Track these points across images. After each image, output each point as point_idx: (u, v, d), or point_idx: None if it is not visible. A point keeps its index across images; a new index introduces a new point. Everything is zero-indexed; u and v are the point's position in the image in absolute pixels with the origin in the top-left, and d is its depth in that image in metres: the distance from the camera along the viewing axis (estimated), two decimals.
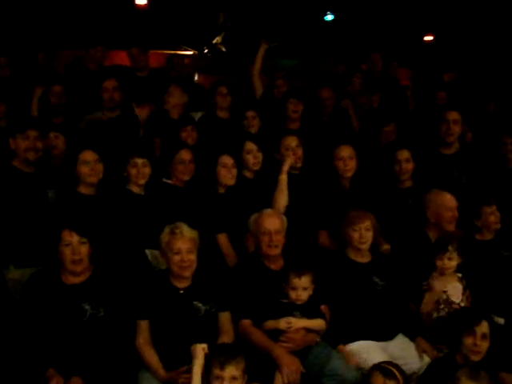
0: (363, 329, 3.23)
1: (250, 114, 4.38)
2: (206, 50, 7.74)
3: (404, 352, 3.21)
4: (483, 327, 2.89)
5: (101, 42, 5.30)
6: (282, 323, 3.00)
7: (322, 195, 3.81)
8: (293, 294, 3.06)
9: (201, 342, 2.77)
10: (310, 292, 3.10)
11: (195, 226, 3.19)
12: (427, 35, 7.48)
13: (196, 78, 7.70)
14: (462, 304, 3.29)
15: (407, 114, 5.07)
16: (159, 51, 7.20)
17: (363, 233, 3.33)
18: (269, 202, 3.70)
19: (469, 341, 2.87)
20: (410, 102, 5.27)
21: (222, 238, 3.57)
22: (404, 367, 3.09)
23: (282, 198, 3.68)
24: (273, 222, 3.23)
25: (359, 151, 3.98)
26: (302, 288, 3.05)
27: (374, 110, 4.99)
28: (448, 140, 4.10)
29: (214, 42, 7.25)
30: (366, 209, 3.58)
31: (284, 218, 3.34)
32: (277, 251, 3.22)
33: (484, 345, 2.88)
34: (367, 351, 3.12)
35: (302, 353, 3.02)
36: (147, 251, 3.49)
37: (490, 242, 3.76)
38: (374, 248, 3.49)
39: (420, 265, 3.42)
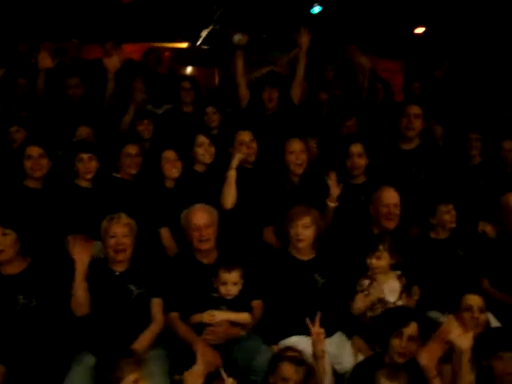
0: (301, 325, 3.11)
1: (210, 109, 4.39)
2: (198, 42, 7.77)
3: (340, 350, 3.17)
4: (411, 329, 2.80)
5: (80, 35, 5.36)
6: (206, 316, 3.03)
7: (270, 190, 3.76)
8: (222, 289, 3.07)
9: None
10: (240, 287, 3.10)
11: (140, 219, 3.24)
12: (418, 27, 7.29)
13: (189, 70, 7.76)
14: (400, 303, 3.21)
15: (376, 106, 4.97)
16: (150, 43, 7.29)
17: (300, 230, 3.28)
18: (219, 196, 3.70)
19: (396, 342, 2.80)
20: (379, 95, 5.14)
21: (164, 232, 3.57)
22: (338, 366, 3.14)
23: (230, 194, 3.65)
24: (202, 216, 3.23)
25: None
26: (231, 283, 3.05)
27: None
28: (408, 135, 3.98)
29: (203, 34, 7.24)
30: (316, 205, 3.56)
31: (214, 212, 3.33)
32: (208, 245, 3.22)
33: (411, 346, 2.80)
34: (301, 347, 3.02)
35: (227, 346, 3.02)
36: (95, 242, 3.53)
37: (445, 241, 3.67)
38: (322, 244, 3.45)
39: (361, 263, 3.35)
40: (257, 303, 3.22)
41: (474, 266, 3.67)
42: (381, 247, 3.29)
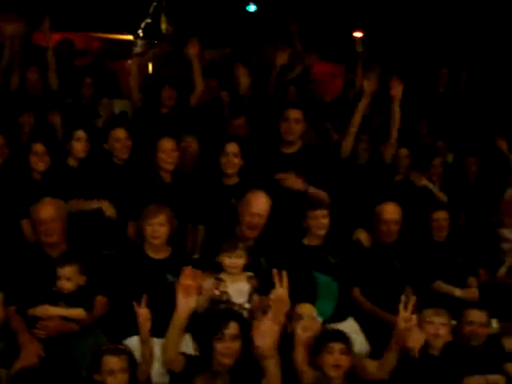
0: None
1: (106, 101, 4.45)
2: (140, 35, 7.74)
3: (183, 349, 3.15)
4: (232, 329, 2.80)
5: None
6: (38, 310, 3.04)
7: (138, 187, 3.75)
8: (58, 283, 3.09)
9: None
10: (79, 282, 3.12)
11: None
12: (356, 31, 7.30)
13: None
14: (246, 305, 3.21)
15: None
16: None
17: (156, 228, 3.27)
18: (91, 191, 3.71)
19: (218, 344, 2.79)
20: (290, 97, 5.13)
21: (25, 224, 3.57)
22: None
23: None
24: (47, 210, 3.26)
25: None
26: (64, 278, 3.07)
27: None
28: (287, 138, 3.96)
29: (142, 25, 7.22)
30: (185, 203, 3.56)
31: (62, 206, 3.35)
32: (52, 239, 3.25)
33: (234, 346, 2.78)
34: None
35: (62, 341, 3.03)
36: None
37: (317, 248, 3.63)
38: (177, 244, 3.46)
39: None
40: (100, 299, 3.22)
41: (345, 274, 3.67)
42: (241, 245, 3.30)
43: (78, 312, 3.08)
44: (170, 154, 3.75)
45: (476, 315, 3.27)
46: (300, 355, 2.88)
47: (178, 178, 3.82)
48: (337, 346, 2.80)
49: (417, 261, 3.93)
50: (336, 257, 3.66)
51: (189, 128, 4.34)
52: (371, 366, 2.98)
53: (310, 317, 3.05)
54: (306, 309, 3.09)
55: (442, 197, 4.66)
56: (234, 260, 3.27)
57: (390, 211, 3.78)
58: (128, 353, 2.75)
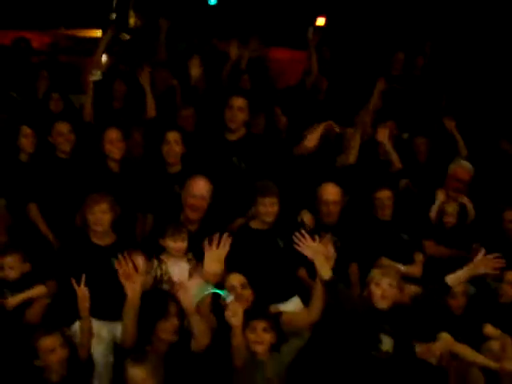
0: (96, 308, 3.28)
1: (55, 95, 4.59)
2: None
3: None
4: (172, 306, 3.00)
5: None
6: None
7: (86, 177, 3.89)
8: (1, 273, 3.24)
9: None
10: (23, 270, 3.28)
11: None
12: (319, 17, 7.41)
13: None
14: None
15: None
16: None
17: (98, 216, 3.41)
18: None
19: (161, 324, 2.98)
20: (246, 85, 5.23)
21: None
22: None
23: None
24: None
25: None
26: (8, 267, 3.22)
27: None
28: (231, 126, 4.11)
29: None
30: (133, 190, 3.77)
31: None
32: None
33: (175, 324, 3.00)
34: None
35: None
36: None
37: (266, 232, 3.74)
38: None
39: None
40: (49, 284, 3.38)
41: (293, 256, 3.73)
42: (184, 230, 3.48)
43: (38, 290, 3.27)
44: (116, 145, 3.90)
45: None
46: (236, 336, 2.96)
47: (125, 168, 3.97)
48: (259, 325, 2.97)
49: (361, 239, 4.08)
50: (284, 239, 3.77)
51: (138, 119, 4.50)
52: (302, 314, 3.31)
53: (241, 285, 3.23)
54: (237, 279, 3.25)
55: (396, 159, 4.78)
56: (179, 244, 3.44)
57: (330, 192, 3.92)
58: (60, 330, 2.91)
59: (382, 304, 3.13)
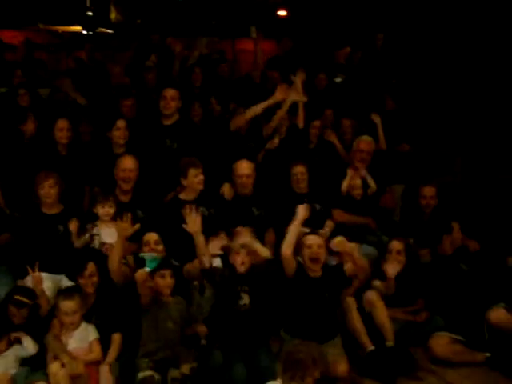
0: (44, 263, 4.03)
1: (21, 91, 5.29)
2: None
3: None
4: (90, 267, 3.76)
5: None
6: None
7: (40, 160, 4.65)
8: None
9: None
10: None
11: None
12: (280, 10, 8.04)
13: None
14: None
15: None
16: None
17: (46, 190, 4.19)
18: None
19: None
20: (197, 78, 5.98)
21: None
22: None
23: None
24: None
25: None
26: None
27: None
28: (165, 112, 4.87)
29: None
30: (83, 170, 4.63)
31: None
32: None
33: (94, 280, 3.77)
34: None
35: None
36: None
37: (192, 202, 4.34)
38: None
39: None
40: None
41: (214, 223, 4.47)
42: (111, 198, 4.24)
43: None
44: (64, 133, 4.68)
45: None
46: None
47: (72, 151, 4.76)
48: (167, 272, 3.74)
49: (277, 209, 4.77)
50: (209, 209, 4.51)
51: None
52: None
53: (154, 242, 4.02)
54: (151, 236, 4.04)
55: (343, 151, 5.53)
56: (107, 209, 4.20)
57: (243, 167, 4.62)
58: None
59: (241, 269, 3.90)
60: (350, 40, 7.01)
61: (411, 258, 4.53)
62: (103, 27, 8.87)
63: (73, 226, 4.15)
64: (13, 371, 3.44)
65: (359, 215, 5.03)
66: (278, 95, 5.05)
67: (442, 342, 4.08)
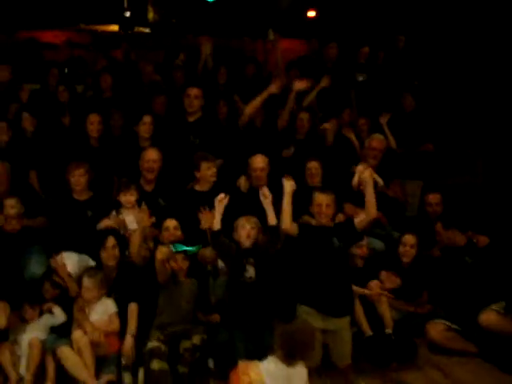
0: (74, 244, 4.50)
1: (61, 88, 5.76)
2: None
3: None
4: (110, 241, 4.17)
5: None
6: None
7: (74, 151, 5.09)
8: (4, 210, 4.49)
9: None
10: (21, 211, 4.48)
11: None
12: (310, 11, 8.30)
13: None
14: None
15: None
16: None
17: (77, 178, 4.63)
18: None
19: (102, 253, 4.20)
20: (223, 77, 6.31)
21: None
22: None
23: None
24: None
25: None
26: (9, 207, 4.44)
27: None
28: (189, 110, 5.23)
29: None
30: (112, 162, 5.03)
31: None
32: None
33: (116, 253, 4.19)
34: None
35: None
36: None
37: (207, 193, 4.71)
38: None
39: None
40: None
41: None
42: (133, 186, 4.61)
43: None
44: (95, 126, 5.12)
45: None
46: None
47: (103, 143, 5.18)
48: (180, 256, 4.10)
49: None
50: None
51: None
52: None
53: (174, 227, 4.41)
54: (171, 222, 4.42)
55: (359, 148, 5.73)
56: (128, 197, 4.58)
57: (257, 161, 4.90)
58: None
59: (246, 243, 4.10)
60: (373, 41, 7.22)
61: (420, 253, 4.76)
62: (140, 26, 9.36)
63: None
64: (43, 337, 3.87)
65: None
66: (272, 87, 5.28)
67: (438, 328, 4.35)
